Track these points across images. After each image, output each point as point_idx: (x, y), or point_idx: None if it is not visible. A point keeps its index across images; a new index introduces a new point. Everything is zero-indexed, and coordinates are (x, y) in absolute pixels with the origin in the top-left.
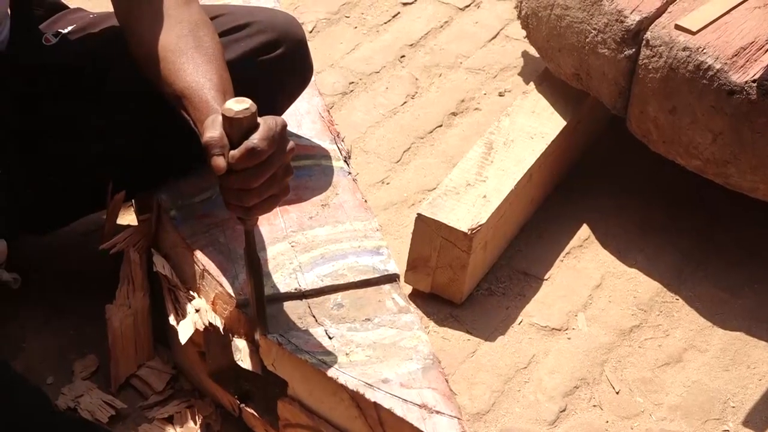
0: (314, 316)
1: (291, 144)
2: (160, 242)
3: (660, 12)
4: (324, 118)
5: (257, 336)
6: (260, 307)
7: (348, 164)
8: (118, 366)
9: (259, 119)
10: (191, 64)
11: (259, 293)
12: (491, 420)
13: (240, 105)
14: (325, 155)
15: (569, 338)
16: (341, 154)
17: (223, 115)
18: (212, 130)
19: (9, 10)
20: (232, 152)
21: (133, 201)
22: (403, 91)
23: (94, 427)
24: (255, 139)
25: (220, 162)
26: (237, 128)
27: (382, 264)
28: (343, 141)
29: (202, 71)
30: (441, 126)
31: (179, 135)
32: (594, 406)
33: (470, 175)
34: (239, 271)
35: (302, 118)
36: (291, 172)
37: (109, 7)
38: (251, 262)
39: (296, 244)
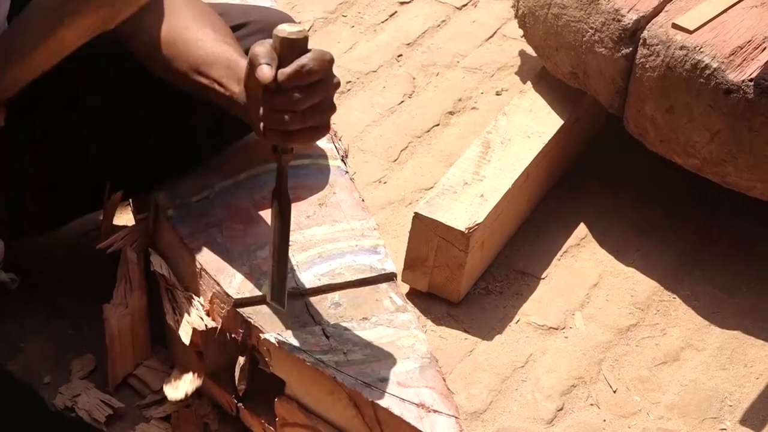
0: (311, 315)
1: (337, 79)
2: (158, 241)
3: (657, 11)
4: None
5: (269, 298)
6: (281, 264)
7: (345, 163)
8: (116, 365)
9: (310, 46)
10: (208, 36)
11: (283, 246)
12: (488, 419)
13: (293, 27)
14: (322, 154)
15: (566, 337)
16: (338, 153)
17: (276, 36)
18: (260, 46)
19: (8, 16)
20: (282, 69)
21: (130, 200)
22: (401, 90)
23: (89, 427)
24: (307, 57)
25: (266, 71)
26: (288, 49)
27: (379, 263)
28: (340, 140)
29: (221, 40)
30: (438, 125)
31: (178, 136)
32: (591, 405)
33: (467, 174)
34: (237, 270)
35: None
36: (334, 108)
37: None
38: (281, 206)
39: (293, 243)
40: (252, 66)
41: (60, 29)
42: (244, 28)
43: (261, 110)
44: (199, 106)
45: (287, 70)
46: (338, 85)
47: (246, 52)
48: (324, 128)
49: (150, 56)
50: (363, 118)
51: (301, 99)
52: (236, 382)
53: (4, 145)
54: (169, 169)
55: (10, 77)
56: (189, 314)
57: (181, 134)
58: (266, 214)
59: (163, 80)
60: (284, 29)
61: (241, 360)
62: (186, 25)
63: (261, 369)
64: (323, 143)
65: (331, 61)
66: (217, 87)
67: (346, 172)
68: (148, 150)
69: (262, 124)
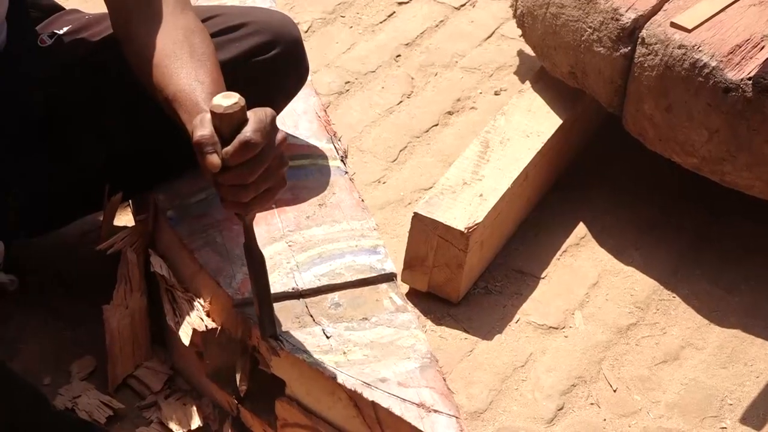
0: (312, 316)
1: (282, 133)
2: (158, 242)
3: (655, 10)
4: (321, 117)
5: (264, 337)
6: (266, 305)
7: (345, 164)
8: (116, 366)
9: (248, 112)
10: (183, 68)
11: (264, 290)
12: (489, 418)
13: (228, 100)
14: (322, 155)
15: (566, 336)
16: (338, 154)
17: (212, 112)
18: (202, 129)
19: (6, 14)
20: (225, 149)
21: (129, 201)
22: (399, 90)
23: (92, 427)
24: (247, 132)
25: (213, 159)
26: (227, 124)
27: (379, 263)
28: (340, 141)
29: (194, 75)
30: (437, 125)
31: (176, 137)
32: (591, 404)
33: (466, 174)
34: (236, 270)
35: (299, 118)
36: (286, 162)
37: (105, 9)
38: (253, 258)
39: (293, 244)
40: (199, 153)
41: None
42: (243, 29)
43: (215, 186)
44: None
45: (230, 149)
46: (284, 139)
47: (241, 52)
48: (279, 186)
49: (138, 71)
50: (362, 119)
51: (249, 172)
52: (237, 382)
53: (3, 147)
54: (168, 170)
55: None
56: (189, 315)
57: (181, 134)
58: (266, 215)
59: None
60: (220, 104)
61: (242, 361)
62: (169, 51)
63: (261, 369)
64: (323, 144)
65: (273, 120)
66: (183, 130)
67: (346, 172)
68: (148, 150)
69: (218, 194)
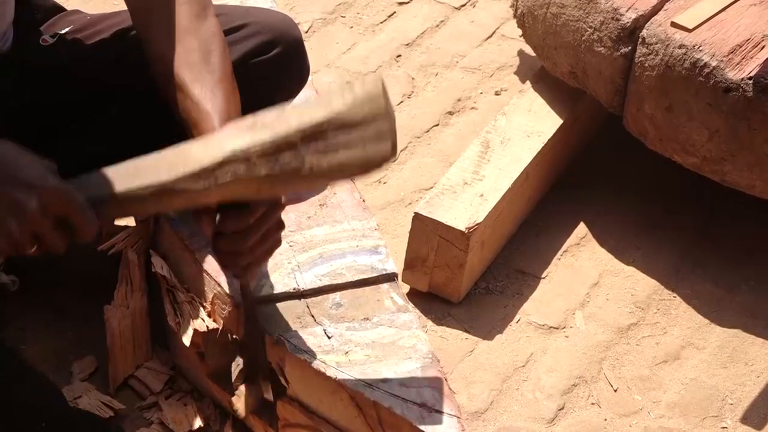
0: (313, 316)
1: (282, 199)
2: (159, 243)
3: (656, 10)
4: None
5: (265, 395)
6: (263, 361)
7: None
8: (117, 367)
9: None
10: (202, 87)
11: (261, 346)
12: (490, 418)
13: None
14: None
15: (567, 336)
16: None
17: None
18: None
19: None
20: (219, 216)
21: None
22: (400, 90)
23: (104, 422)
24: (246, 207)
25: (206, 228)
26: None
27: (380, 263)
28: None
29: (209, 97)
30: (438, 125)
31: (177, 138)
32: (592, 404)
33: (467, 174)
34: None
35: None
36: (283, 226)
37: (106, 9)
38: (249, 317)
39: (294, 244)
40: (195, 217)
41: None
42: (244, 29)
43: (212, 249)
44: None
45: (222, 217)
46: (284, 206)
47: (242, 53)
48: (274, 247)
49: (156, 77)
50: None
51: (243, 240)
52: (233, 380)
53: None
54: None
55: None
56: (190, 315)
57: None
58: None
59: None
60: None
61: (240, 360)
62: (185, 70)
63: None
64: None
65: None
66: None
67: None
68: (150, 150)
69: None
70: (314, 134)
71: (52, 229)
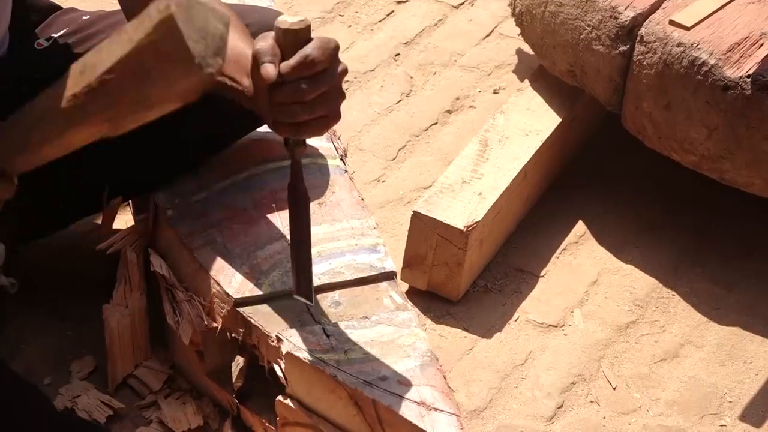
0: (312, 314)
1: (344, 65)
2: (158, 242)
3: (654, 8)
4: None
5: (296, 294)
6: (303, 258)
7: (344, 162)
8: (116, 366)
9: (312, 35)
10: None
11: (305, 239)
12: (489, 417)
13: (294, 18)
14: (322, 154)
15: (566, 334)
16: (338, 153)
17: (277, 27)
18: (263, 41)
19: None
20: (285, 62)
21: (130, 201)
22: (398, 89)
23: (94, 427)
24: (310, 47)
25: (270, 69)
26: (291, 40)
27: (379, 262)
28: (339, 139)
29: (233, 37)
30: (436, 124)
31: (175, 139)
32: (591, 402)
33: (466, 173)
34: (236, 270)
35: None
36: (343, 95)
37: (102, 6)
38: (296, 199)
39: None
40: (255, 63)
41: (67, 134)
42: None
43: (269, 104)
44: (197, 107)
45: (290, 62)
46: (345, 72)
47: None
48: (334, 117)
49: None
50: (361, 118)
51: (307, 90)
52: (233, 379)
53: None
54: (167, 171)
55: (20, 162)
56: (189, 314)
57: (180, 135)
58: (266, 214)
59: None
60: (285, 20)
61: (240, 359)
62: None
63: (261, 368)
64: (323, 142)
65: (336, 48)
66: (227, 81)
67: (345, 171)
68: (146, 152)
69: (271, 119)
70: None
71: None
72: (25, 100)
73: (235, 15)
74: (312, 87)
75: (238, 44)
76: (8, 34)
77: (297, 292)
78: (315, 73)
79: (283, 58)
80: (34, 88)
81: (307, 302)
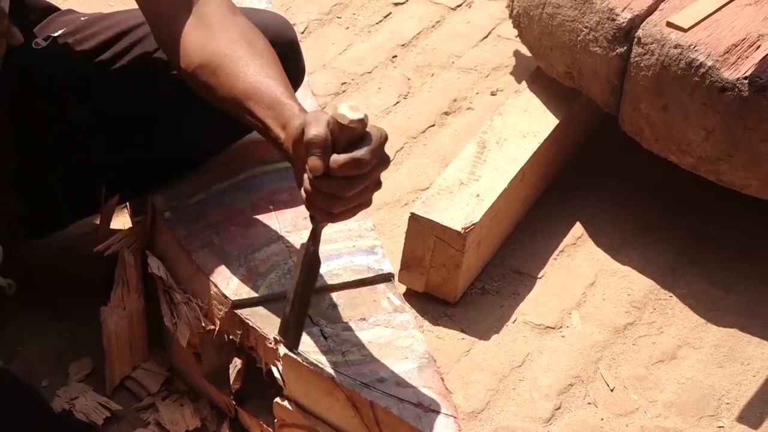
0: (309, 316)
1: (388, 157)
2: (155, 244)
3: (651, 10)
4: None
5: (282, 345)
6: (300, 314)
7: None
8: (113, 368)
9: (368, 128)
10: (251, 66)
11: (306, 299)
12: (486, 418)
13: (354, 113)
14: None
15: (563, 336)
16: None
17: (335, 120)
18: (318, 128)
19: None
20: (336, 157)
21: (127, 203)
22: (396, 91)
23: (92, 428)
24: (363, 150)
25: (318, 163)
26: (346, 135)
27: (376, 263)
28: None
29: (264, 72)
30: (434, 125)
31: (174, 138)
32: (589, 403)
33: (463, 175)
34: (234, 272)
35: None
36: (380, 185)
37: (100, 8)
38: (310, 264)
39: (291, 245)
40: (306, 149)
41: None
42: None
43: (306, 183)
44: (195, 109)
45: (340, 159)
46: (388, 163)
47: None
48: (365, 205)
49: (192, 81)
50: None
51: (349, 187)
52: (230, 381)
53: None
54: (165, 172)
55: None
56: (186, 316)
57: (178, 137)
58: (264, 217)
59: (160, 83)
60: (345, 115)
61: (237, 361)
62: (229, 51)
63: (259, 370)
64: None
65: (385, 143)
66: (261, 126)
67: None
68: (145, 153)
69: (304, 195)
70: None
71: None
72: (22, 98)
73: (269, 48)
74: (355, 185)
75: (272, 87)
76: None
77: (285, 343)
78: (361, 173)
79: (334, 147)
80: (29, 86)
81: (292, 349)
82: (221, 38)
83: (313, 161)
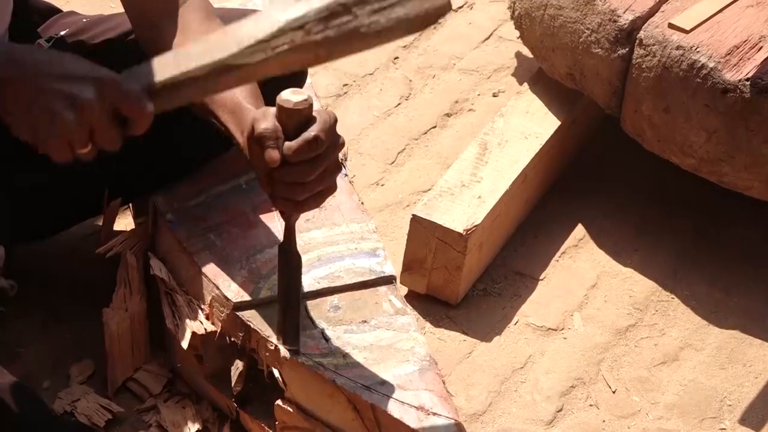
0: (311, 318)
1: (342, 138)
2: (157, 245)
3: (653, 11)
4: None
5: (282, 347)
6: (292, 313)
7: (345, 167)
8: (115, 369)
9: (314, 112)
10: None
11: (294, 296)
12: (488, 420)
13: (297, 96)
14: None
15: (565, 338)
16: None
17: (279, 106)
18: (265, 122)
19: (9, 26)
20: (288, 143)
21: (130, 205)
22: (397, 92)
23: (93, 431)
24: (314, 130)
25: (274, 154)
26: (294, 120)
27: (378, 266)
28: None
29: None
30: (435, 127)
31: (176, 142)
32: (591, 405)
33: (465, 176)
34: (235, 273)
35: None
36: (340, 168)
37: (102, 10)
38: (289, 261)
39: None
40: (259, 145)
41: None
42: None
43: (267, 180)
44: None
45: (293, 145)
46: (343, 144)
47: None
48: (331, 190)
49: None
50: (360, 121)
51: (309, 171)
52: (232, 383)
53: (3, 152)
54: (167, 174)
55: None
56: (188, 318)
57: (179, 138)
58: (265, 218)
59: None
60: (289, 99)
61: (239, 363)
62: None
63: (260, 372)
64: None
65: (335, 123)
66: (225, 131)
67: (346, 175)
68: (146, 155)
69: (268, 192)
70: None
71: (108, 121)
72: None
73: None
74: (313, 168)
75: (235, 90)
76: (8, 33)
77: (284, 343)
78: (317, 154)
79: (286, 136)
80: None
81: (294, 349)
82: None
83: (268, 153)
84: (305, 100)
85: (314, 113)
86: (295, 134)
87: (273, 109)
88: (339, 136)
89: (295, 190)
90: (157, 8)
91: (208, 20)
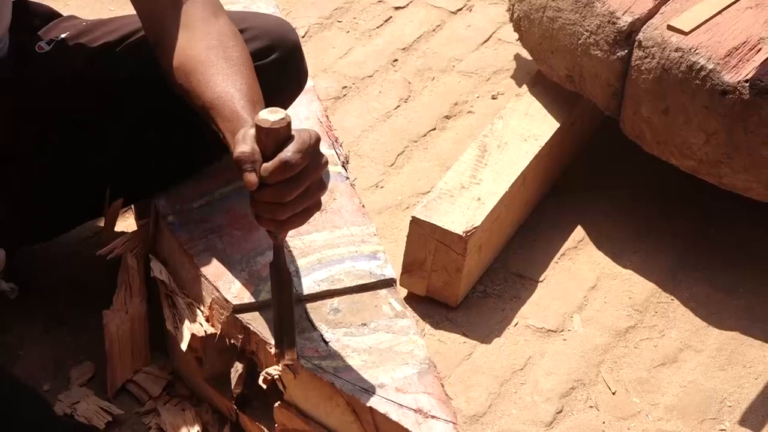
0: (311, 321)
1: (325, 158)
2: (158, 248)
3: (652, 13)
4: (323, 123)
5: (284, 360)
6: (287, 327)
7: (346, 169)
8: (115, 371)
9: (293, 131)
10: (220, 75)
11: (288, 312)
12: (488, 422)
13: (275, 116)
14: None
15: (565, 339)
16: (339, 160)
17: (257, 126)
18: (243, 145)
19: (9, 26)
20: (265, 165)
21: (132, 206)
22: (397, 95)
23: (92, 430)
24: (289, 151)
25: (251, 178)
26: (272, 139)
27: (378, 269)
28: (341, 146)
29: (230, 82)
30: (434, 129)
31: (177, 143)
32: (590, 407)
33: (464, 178)
34: (236, 276)
35: (301, 123)
36: (325, 186)
37: (101, 14)
38: (279, 278)
39: (293, 249)
40: (237, 169)
41: None
42: (242, 34)
43: (251, 200)
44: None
45: (269, 166)
46: (326, 163)
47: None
48: (315, 208)
49: (170, 81)
50: (359, 123)
51: (287, 191)
52: (232, 385)
53: (5, 154)
54: (169, 176)
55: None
56: (188, 320)
57: (181, 140)
58: None
59: (162, 85)
60: (266, 119)
61: (239, 365)
62: (204, 57)
63: (260, 374)
64: (324, 149)
65: (317, 142)
66: (222, 137)
67: (347, 178)
68: (148, 157)
69: (253, 212)
70: None
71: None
72: (25, 101)
73: (243, 54)
74: (292, 188)
75: (234, 98)
76: (8, 35)
77: (281, 355)
78: (294, 175)
79: (265, 156)
80: (32, 89)
81: (291, 364)
82: (200, 43)
83: (246, 177)
84: (283, 119)
85: (293, 132)
86: (274, 153)
87: (252, 132)
88: (321, 155)
89: (276, 210)
90: (161, 5)
91: (215, 17)
